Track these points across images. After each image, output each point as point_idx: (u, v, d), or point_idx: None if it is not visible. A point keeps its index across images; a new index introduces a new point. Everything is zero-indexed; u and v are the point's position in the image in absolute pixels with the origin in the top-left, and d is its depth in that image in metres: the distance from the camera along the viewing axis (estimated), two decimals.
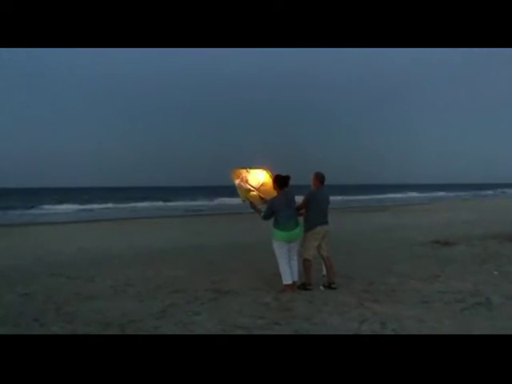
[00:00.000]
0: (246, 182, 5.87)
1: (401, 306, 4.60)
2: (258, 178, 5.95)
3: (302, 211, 5.55)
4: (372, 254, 7.92)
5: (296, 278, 5.42)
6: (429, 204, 30.28)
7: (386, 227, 13.13)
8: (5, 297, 5.43)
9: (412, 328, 3.94)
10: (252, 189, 5.86)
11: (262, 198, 5.79)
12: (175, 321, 4.31)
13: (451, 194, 53.60)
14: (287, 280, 5.31)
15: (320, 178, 5.59)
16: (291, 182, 5.45)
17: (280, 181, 5.41)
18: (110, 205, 34.00)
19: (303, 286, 5.42)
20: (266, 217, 5.36)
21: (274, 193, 5.51)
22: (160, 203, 36.83)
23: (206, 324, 4.18)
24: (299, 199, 5.54)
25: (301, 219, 5.50)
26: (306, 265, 5.47)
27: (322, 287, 5.46)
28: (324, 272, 5.63)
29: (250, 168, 5.95)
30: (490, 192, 60.43)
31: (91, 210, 30.22)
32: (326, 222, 5.54)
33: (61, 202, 34.50)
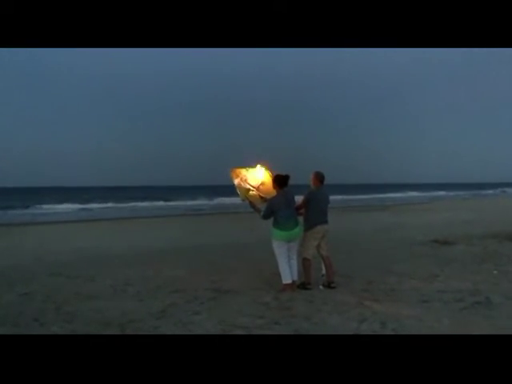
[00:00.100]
0: (246, 181, 5.87)
1: (400, 306, 4.60)
2: (257, 177, 5.95)
3: (302, 211, 5.56)
4: (372, 254, 7.92)
5: (296, 278, 5.43)
6: (429, 203, 30.28)
7: (385, 226, 13.14)
8: (4, 296, 5.43)
9: (412, 327, 3.94)
10: (251, 188, 5.86)
11: (261, 198, 5.79)
12: (175, 320, 4.31)
13: (451, 194, 53.61)
14: (287, 279, 5.32)
15: (320, 177, 5.59)
16: (291, 182, 5.45)
17: (279, 180, 5.41)
18: (110, 204, 34.04)
19: (303, 285, 5.42)
20: (266, 216, 5.36)
21: (274, 192, 5.51)
22: (160, 203, 36.84)
23: (205, 324, 4.18)
24: (299, 199, 5.54)
25: (300, 219, 5.51)
26: (305, 264, 5.47)
27: (321, 287, 5.47)
28: (323, 271, 5.64)
29: (250, 167, 5.95)
30: (491, 191, 60.47)
31: (91, 209, 30.22)
32: (325, 222, 5.54)
33: (61, 202, 34.49)
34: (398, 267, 6.56)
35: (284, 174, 5.46)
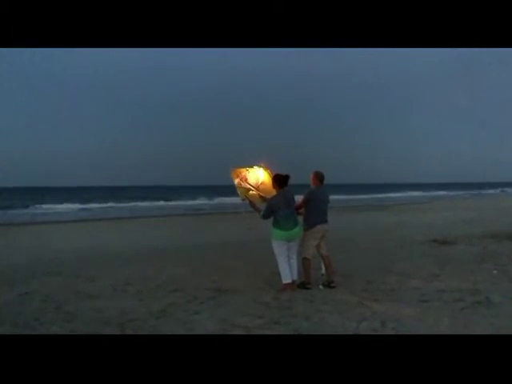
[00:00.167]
0: (246, 181, 5.87)
1: (400, 305, 4.60)
2: (257, 176, 5.96)
3: (301, 210, 5.56)
4: (371, 253, 7.93)
5: (295, 277, 5.43)
6: (429, 203, 30.28)
7: (385, 226, 13.14)
8: (4, 296, 5.43)
9: (411, 327, 3.95)
10: (251, 188, 5.87)
11: (261, 197, 5.80)
12: (175, 320, 4.31)
13: (452, 193, 53.60)
14: (287, 279, 5.32)
15: (319, 177, 5.60)
16: (290, 181, 5.45)
17: (279, 180, 5.41)
18: (110, 204, 34.05)
19: (303, 284, 5.43)
20: (265, 216, 5.36)
21: (274, 191, 5.52)
22: (160, 202, 36.86)
23: (205, 323, 4.19)
24: (299, 198, 5.54)
25: (300, 218, 5.51)
26: (305, 264, 5.48)
27: (321, 286, 5.47)
28: (323, 271, 5.65)
29: (250, 167, 5.96)
30: (491, 191, 60.48)
31: (91, 209, 30.22)
32: (325, 221, 5.55)
33: (61, 202, 34.50)
34: (398, 267, 6.56)
35: (284, 173, 5.46)
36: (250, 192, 5.84)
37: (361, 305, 4.66)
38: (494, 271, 6.16)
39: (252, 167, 5.96)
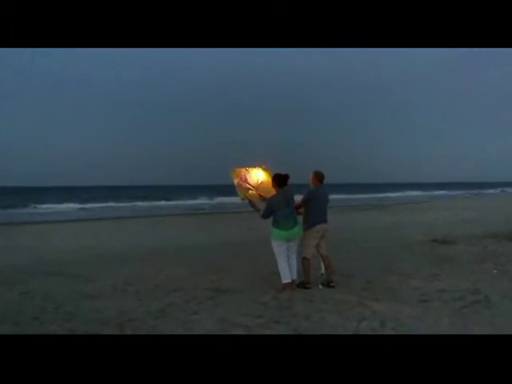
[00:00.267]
0: (245, 180, 5.88)
1: (400, 305, 4.61)
2: (256, 176, 5.97)
3: (301, 210, 5.56)
4: (371, 253, 7.93)
5: (295, 277, 5.44)
6: (429, 202, 30.27)
7: (385, 226, 13.15)
8: (4, 295, 5.44)
9: (411, 326, 3.95)
10: (251, 187, 5.87)
11: (261, 196, 5.80)
12: (174, 320, 4.31)
13: (452, 193, 53.61)
14: (286, 279, 5.33)
15: (319, 176, 5.60)
16: (290, 181, 5.45)
17: (279, 180, 5.41)
18: (110, 204, 34.01)
19: (302, 284, 5.43)
20: (265, 216, 5.36)
21: (273, 190, 5.52)
22: (160, 202, 36.83)
23: (204, 323, 4.19)
24: (299, 198, 5.55)
25: (300, 218, 5.51)
26: (304, 263, 5.48)
27: (321, 286, 5.47)
28: (323, 270, 5.65)
29: (250, 167, 5.96)
30: (491, 191, 60.51)
31: (91, 208, 30.20)
32: (325, 221, 5.55)
33: (61, 201, 34.48)
34: (398, 266, 6.56)
35: (283, 173, 5.46)
36: (250, 192, 5.85)
37: (360, 304, 4.67)
38: (494, 271, 6.17)
39: (252, 167, 5.97)
